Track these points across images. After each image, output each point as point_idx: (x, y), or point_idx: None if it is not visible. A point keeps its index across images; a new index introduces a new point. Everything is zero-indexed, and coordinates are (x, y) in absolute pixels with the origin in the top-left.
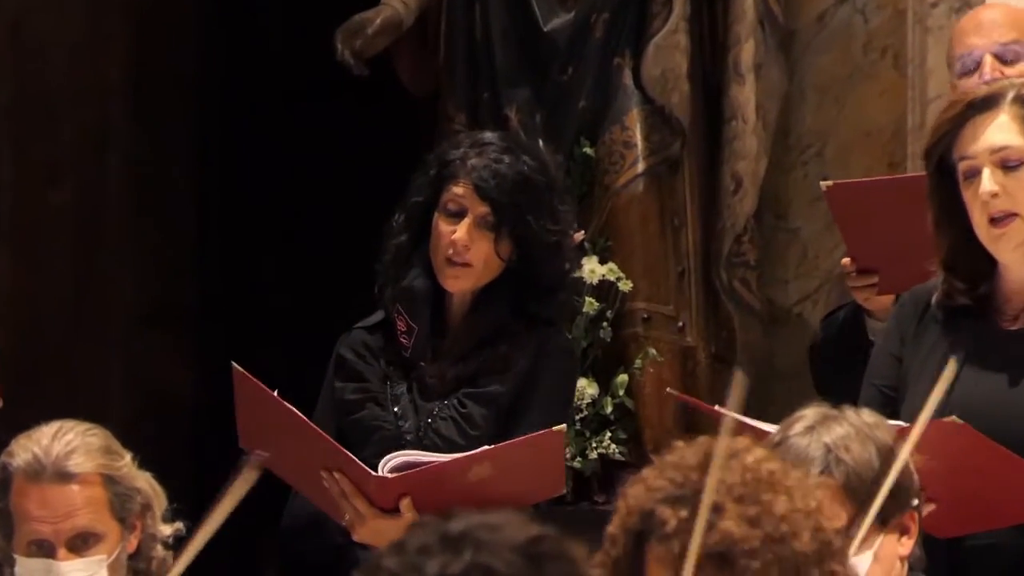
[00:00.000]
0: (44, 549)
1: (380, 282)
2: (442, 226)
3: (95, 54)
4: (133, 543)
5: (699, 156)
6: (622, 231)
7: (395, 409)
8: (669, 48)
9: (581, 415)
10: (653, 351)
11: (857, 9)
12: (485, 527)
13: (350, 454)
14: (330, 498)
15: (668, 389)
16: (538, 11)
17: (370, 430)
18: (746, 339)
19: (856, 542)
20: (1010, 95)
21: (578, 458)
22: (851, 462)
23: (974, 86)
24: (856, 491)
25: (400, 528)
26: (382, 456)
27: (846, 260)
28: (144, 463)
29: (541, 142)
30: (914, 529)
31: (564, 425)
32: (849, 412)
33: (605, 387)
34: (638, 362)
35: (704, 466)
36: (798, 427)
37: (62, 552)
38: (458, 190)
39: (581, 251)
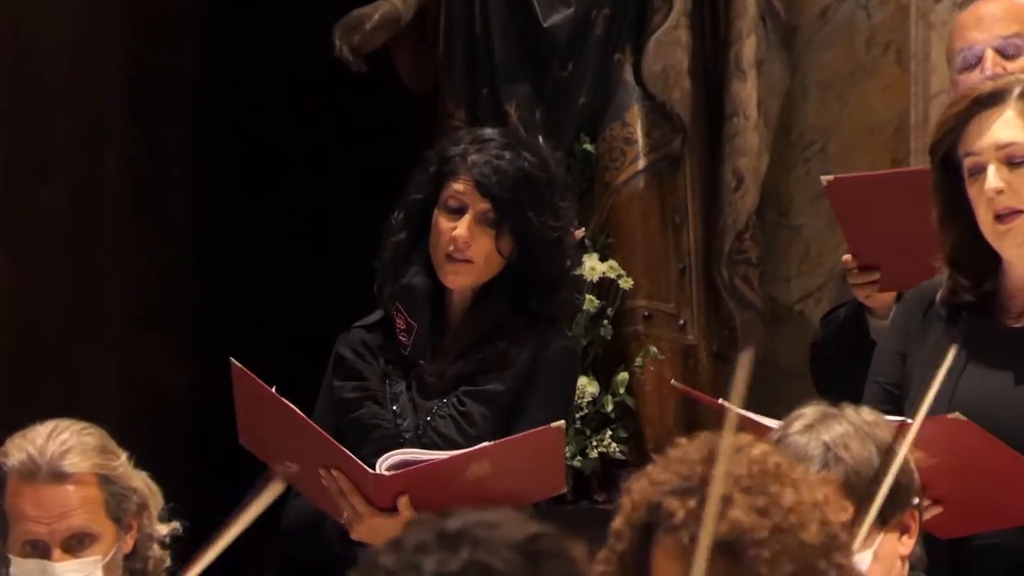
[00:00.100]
0: (39, 550)
1: (379, 280)
2: (442, 223)
3: (93, 53)
4: (129, 543)
5: (700, 153)
6: (623, 228)
7: (394, 408)
8: (670, 44)
9: (581, 413)
10: (654, 349)
11: (860, 4)
12: (483, 525)
13: (348, 452)
14: (328, 496)
15: (672, 381)
16: (538, 6)
17: (369, 428)
18: (748, 337)
19: (856, 541)
20: (1016, 91)
21: (578, 457)
22: (850, 460)
23: (975, 81)
24: (855, 489)
25: (398, 526)
26: (381, 455)
27: (847, 256)
28: (140, 463)
29: (541, 138)
30: (915, 528)
31: (563, 422)
32: (848, 410)
33: (606, 385)
34: (639, 360)
35: (709, 459)
36: (797, 425)
37: (57, 553)
38: (458, 186)
39: (582, 248)
